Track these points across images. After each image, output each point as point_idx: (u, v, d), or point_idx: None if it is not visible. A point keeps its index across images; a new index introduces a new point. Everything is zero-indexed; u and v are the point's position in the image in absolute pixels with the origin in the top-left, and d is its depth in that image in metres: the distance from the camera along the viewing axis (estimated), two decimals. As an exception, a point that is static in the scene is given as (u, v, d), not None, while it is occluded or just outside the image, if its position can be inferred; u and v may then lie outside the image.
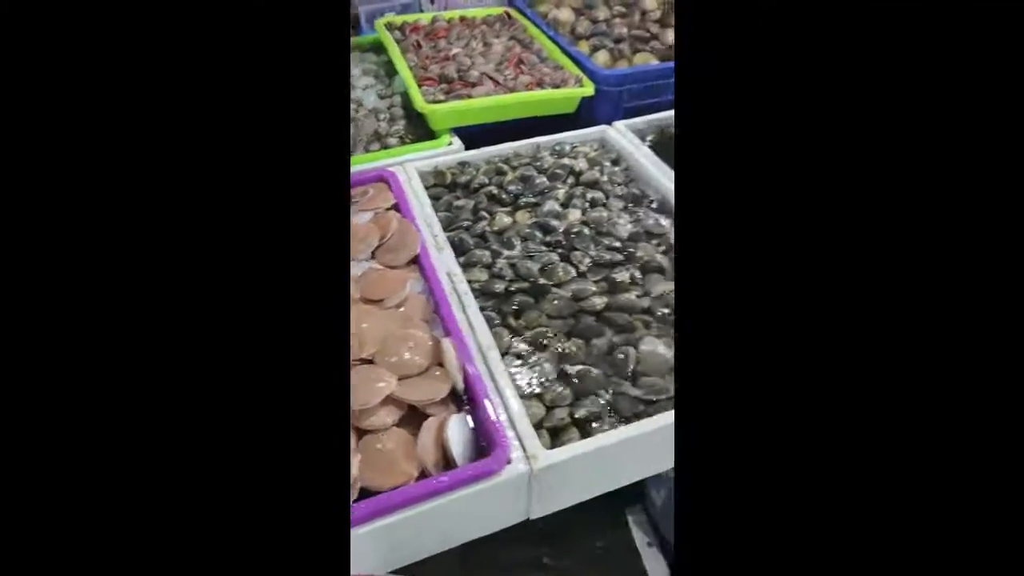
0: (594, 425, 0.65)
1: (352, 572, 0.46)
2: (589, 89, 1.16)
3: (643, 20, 1.30)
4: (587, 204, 0.93)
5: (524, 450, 0.60)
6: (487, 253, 0.84)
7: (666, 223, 0.90)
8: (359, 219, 0.87)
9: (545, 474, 0.59)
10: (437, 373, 0.66)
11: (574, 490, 0.64)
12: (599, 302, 0.77)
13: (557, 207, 0.92)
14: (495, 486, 0.58)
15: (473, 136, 1.09)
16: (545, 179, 0.97)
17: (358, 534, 0.55)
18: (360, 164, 1.00)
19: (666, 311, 0.76)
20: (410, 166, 0.99)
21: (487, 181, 0.97)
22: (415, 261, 0.81)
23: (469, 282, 0.79)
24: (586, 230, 0.87)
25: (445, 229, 0.88)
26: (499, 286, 0.80)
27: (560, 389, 0.67)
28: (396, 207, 0.90)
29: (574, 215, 0.90)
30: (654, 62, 1.23)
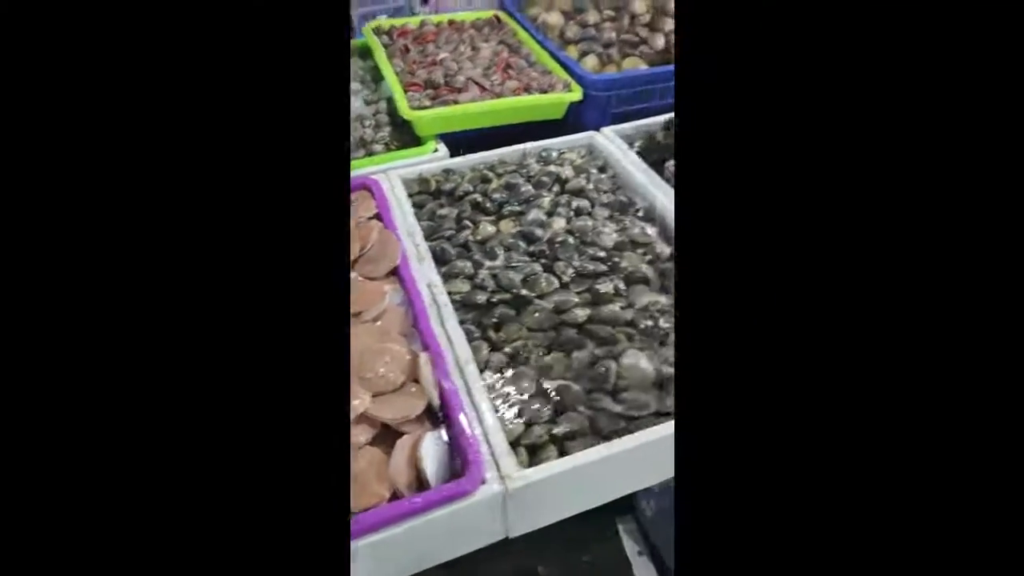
0: (573, 443, 0.63)
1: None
2: (577, 94, 1.14)
3: (632, 24, 1.28)
4: (572, 213, 0.91)
5: (499, 470, 0.58)
6: (469, 264, 0.83)
7: (652, 232, 0.88)
8: (340, 229, 0.86)
9: (521, 494, 0.58)
10: (413, 389, 0.65)
11: (552, 509, 0.63)
12: (581, 314, 0.76)
13: (542, 216, 0.90)
14: (469, 507, 0.57)
15: (459, 142, 1.08)
16: (531, 187, 0.95)
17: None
18: (343, 172, 0.98)
19: (649, 323, 0.75)
20: (394, 174, 0.98)
21: (472, 189, 0.96)
22: (395, 272, 0.80)
23: (450, 293, 0.77)
24: (570, 239, 0.86)
25: (427, 238, 0.86)
26: (480, 297, 0.78)
27: (538, 406, 0.66)
28: (378, 216, 0.89)
29: (559, 224, 0.89)
30: (643, 67, 1.22)
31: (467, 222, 0.90)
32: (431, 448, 0.60)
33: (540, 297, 0.78)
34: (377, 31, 1.35)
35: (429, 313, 0.73)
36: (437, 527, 0.57)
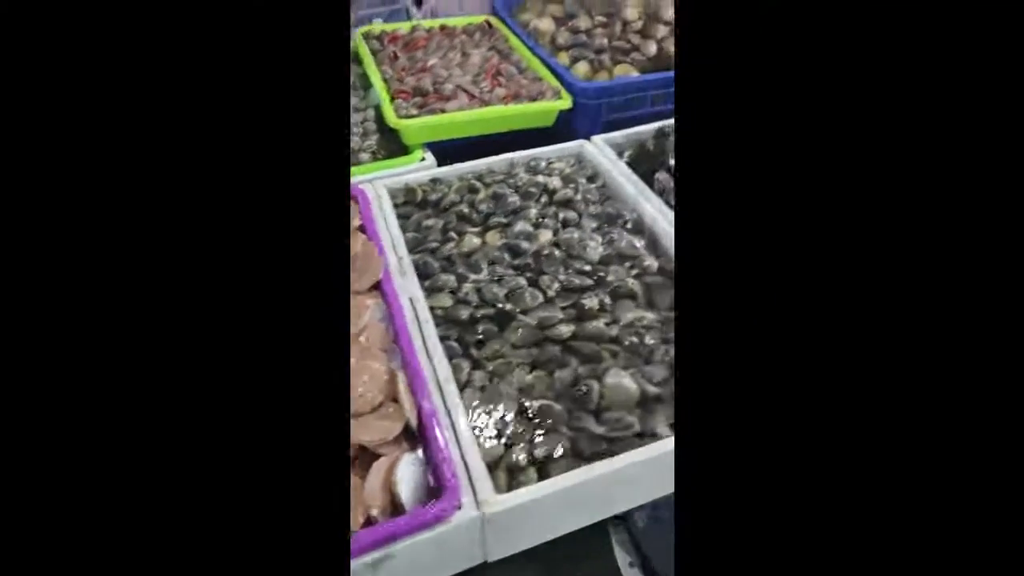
0: (553, 464, 0.62)
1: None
2: (567, 102, 1.13)
3: (624, 31, 1.27)
4: (559, 224, 0.90)
5: (475, 495, 0.57)
6: (452, 278, 0.81)
7: (639, 244, 0.87)
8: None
9: (498, 518, 0.57)
10: (391, 409, 0.64)
11: (531, 533, 0.62)
12: (566, 330, 0.74)
13: (528, 227, 0.89)
14: (445, 532, 0.56)
15: (448, 151, 1.07)
16: (518, 198, 0.94)
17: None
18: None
19: (635, 340, 0.74)
20: (380, 183, 0.96)
21: (458, 199, 0.95)
22: (377, 286, 0.79)
23: (432, 308, 0.76)
24: (557, 252, 0.85)
25: (411, 251, 0.85)
26: (464, 313, 0.77)
27: (518, 427, 0.65)
28: (362, 228, 0.88)
29: (545, 236, 0.88)
30: (634, 74, 1.20)
31: (452, 234, 0.89)
32: (407, 472, 0.58)
33: (524, 312, 0.77)
34: (367, 36, 1.34)
35: (410, 329, 0.72)
36: (412, 553, 0.55)
